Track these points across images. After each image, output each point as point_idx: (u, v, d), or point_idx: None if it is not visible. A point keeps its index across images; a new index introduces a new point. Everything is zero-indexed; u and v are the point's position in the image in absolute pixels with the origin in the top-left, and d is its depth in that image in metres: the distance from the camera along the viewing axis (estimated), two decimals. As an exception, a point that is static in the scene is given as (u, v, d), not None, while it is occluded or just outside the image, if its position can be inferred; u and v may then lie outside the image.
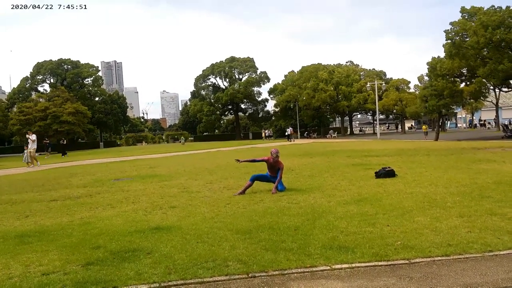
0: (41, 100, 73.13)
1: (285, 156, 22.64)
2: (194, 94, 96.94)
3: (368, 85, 63.77)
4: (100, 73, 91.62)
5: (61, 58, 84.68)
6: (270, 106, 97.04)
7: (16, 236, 6.87)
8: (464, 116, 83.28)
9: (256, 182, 10.55)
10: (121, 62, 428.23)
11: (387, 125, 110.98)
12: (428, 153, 19.94)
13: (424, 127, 48.50)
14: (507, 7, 33.79)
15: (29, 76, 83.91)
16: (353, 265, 4.78)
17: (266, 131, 79.37)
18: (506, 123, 36.73)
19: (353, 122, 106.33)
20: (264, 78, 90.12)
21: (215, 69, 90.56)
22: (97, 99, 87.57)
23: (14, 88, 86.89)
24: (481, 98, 45.22)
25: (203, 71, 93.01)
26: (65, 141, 51.17)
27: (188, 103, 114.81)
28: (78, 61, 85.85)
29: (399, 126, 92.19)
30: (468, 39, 34.66)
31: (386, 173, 11.65)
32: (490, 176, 10.86)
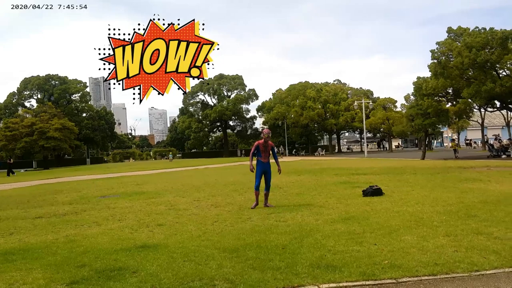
0: (27, 115, 72.58)
1: (273, 173, 22.64)
2: (183, 111, 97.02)
3: (355, 103, 64.31)
4: (87, 89, 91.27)
5: (49, 74, 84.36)
6: (259, 124, 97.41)
7: (0, 254, 6.76)
8: (450, 135, 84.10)
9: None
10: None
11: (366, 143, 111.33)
12: (415, 172, 20.07)
13: (453, 143, 41.92)
14: (491, 28, 34.43)
15: (16, 91, 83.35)
16: (341, 284, 4.78)
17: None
18: (492, 141, 37.00)
19: (341, 140, 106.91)
20: (252, 95, 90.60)
21: (203, 86, 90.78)
22: (84, 115, 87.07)
23: (0, 103, 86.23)
24: (466, 117, 45.70)
25: (192, 87, 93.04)
26: (11, 159, 48.81)
27: (177, 119, 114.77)
28: (66, 76, 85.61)
29: (381, 144, 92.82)
30: (453, 59, 35.19)
31: (373, 192, 11.71)
32: (476, 195, 10.95)
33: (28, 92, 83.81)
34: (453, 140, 45.62)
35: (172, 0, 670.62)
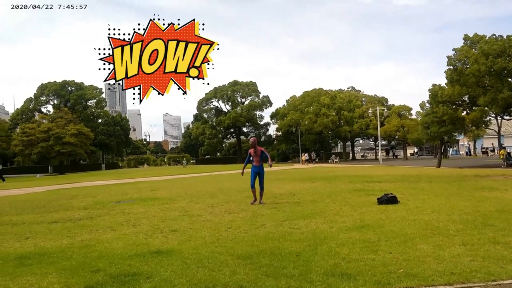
0: (44, 121, 73.46)
1: (287, 180, 22.63)
2: (197, 117, 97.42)
3: (370, 110, 63.97)
4: (103, 95, 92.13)
5: (65, 80, 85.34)
6: (272, 130, 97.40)
7: (15, 258, 6.83)
8: (465, 143, 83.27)
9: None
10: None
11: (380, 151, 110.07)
12: (430, 180, 19.89)
13: (502, 151, 37.21)
14: (508, 36, 34.08)
15: (32, 97, 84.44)
16: (355, 293, 4.73)
17: (305, 154, 67.86)
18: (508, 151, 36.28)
19: (355, 147, 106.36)
20: (266, 102, 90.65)
21: (218, 92, 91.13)
22: (100, 120, 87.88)
23: (17, 108, 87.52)
24: (483, 126, 45.15)
25: (206, 94, 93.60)
26: (0, 166, 47.54)
27: (191, 126, 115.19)
28: (82, 83, 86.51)
29: (391, 152, 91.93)
30: (469, 66, 34.88)
31: (388, 200, 11.60)
32: (493, 204, 10.81)
33: (44, 98, 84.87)
34: (504, 148, 43.12)
35: (182, 6, 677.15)
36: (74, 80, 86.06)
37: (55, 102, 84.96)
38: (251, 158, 13.24)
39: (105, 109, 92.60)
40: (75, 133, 66.70)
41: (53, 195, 20.39)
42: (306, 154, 65.62)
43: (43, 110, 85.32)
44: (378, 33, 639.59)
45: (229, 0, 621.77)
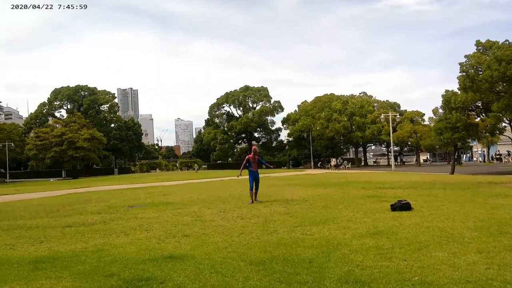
0: (57, 125, 74.23)
1: (299, 186, 22.57)
2: (208, 122, 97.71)
3: (382, 116, 63.60)
4: (116, 100, 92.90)
5: (79, 85, 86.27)
6: (284, 136, 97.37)
7: (30, 262, 6.89)
8: (479, 150, 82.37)
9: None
10: (137, 90, 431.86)
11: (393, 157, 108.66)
12: (444, 186, 19.69)
13: None
14: (522, 41, 33.74)
15: (46, 101, 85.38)
16: (370, 300, 4.69)
17: (334, 159, 66.59)
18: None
19: (367, 153, 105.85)
20: (277, 107, 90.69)
21: (229, 97, 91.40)
22: (112, 125, 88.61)
23: (31, 113, 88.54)
24: (499, 133, 44.67)
25: (217, 99, 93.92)
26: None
27: (202, 131, 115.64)
28: (95, 88, 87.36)
29: (398, 158, 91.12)
30: (482, 72, 34.56)
31: (402, 206, 11.50)
32: (508, 212, 10.67)
33: (58, 103, 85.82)
34: None
35: (195, 13, 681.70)
36: (87, 85, 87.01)
37: (69, 106, 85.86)
38: (249, 164, 15.30)
39: (117, 114, 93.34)
40: (88, 138, 67.27)
41: (66, 199, 20.55)
42: (334, 160, 65.24)
43: (57, 114, 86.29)
44: (390, 39, 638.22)
45: (241, 7, 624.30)
